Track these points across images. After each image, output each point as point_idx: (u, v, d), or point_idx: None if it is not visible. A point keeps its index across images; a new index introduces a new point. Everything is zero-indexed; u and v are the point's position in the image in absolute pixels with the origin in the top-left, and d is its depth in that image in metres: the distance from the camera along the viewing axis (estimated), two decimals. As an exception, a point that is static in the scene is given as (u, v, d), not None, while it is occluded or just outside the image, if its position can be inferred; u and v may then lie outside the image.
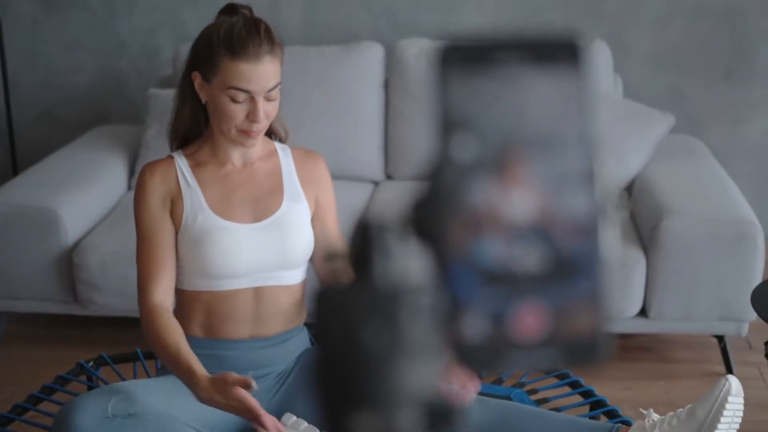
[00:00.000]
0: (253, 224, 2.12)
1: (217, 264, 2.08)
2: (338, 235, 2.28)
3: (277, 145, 2.25)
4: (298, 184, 2.20)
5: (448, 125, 0.52)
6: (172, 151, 2.19)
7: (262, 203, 2.15)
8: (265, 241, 2.11)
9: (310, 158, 2.26)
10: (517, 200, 0.52)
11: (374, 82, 3.96)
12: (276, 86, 2.07)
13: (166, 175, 2.13)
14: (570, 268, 0.52)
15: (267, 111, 2.06)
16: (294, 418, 2.13)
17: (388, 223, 0.52)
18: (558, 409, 2.37)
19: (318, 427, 2.09)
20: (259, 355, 2.17)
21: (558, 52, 0.52)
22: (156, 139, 3.78)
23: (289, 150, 2.24)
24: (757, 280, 3.22)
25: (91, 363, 2.60)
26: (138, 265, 2.15)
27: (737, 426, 2.14)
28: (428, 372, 0.50)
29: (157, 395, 2.05)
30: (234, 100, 2.03)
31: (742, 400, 2.14)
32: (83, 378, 2.58)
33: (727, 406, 2.11)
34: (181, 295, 2.17)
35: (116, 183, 3.81)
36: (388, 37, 4.20)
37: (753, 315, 3.23)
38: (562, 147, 0.52)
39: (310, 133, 3.77)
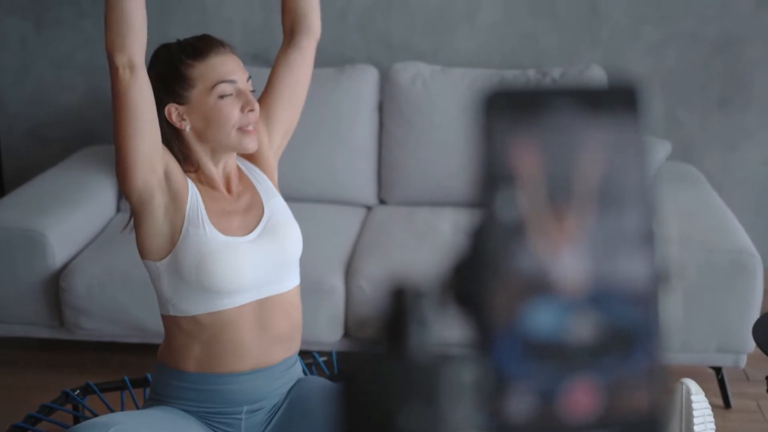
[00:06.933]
0: (247, 236, 2.08)
1: (220, 279, 2.02)
2: None
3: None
4: (264, 178, 2.20)
5: (493, 179, 0.47)
6: None
7: (249, 217, 2.12)
8: (263, 248, 2.08)
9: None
10: (569, 263, 0.47)
11: (368, 106, 3.91)
12: (250, 78, 2.10)
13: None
14: (627, 339, 0.47)
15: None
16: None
17: (424, 288, 0.46)
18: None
19: None
20: (258, 387, 2.11)
21: (614, 98, 0.47)
22: (146, 160, 3.73)
23: (235, 154, 2.19)
24: (756, 311, 3.18)
25: (78, 391, 2.53)
26: None
27: (713, 425, 2.10)
28: (470, 457, 0.45)
29: (152, 430, 1.98)
30: (224, 97, 2.04)
31: (705, 398, 2.10)
32: (69, 407, 2.52)
33: (694, 406, 2.07)
34: (176, 326, 2.09)
35: (105, 205, 3.75)
36: (382, 61, 4.17)
37: (751, 347, 3.18)
38: (618, 203, 0.47)
39: (302, 155, 3.72)
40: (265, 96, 2.24)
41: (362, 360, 0.46)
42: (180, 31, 4.20)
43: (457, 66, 4.08)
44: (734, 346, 3.23)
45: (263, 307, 2.09)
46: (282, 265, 2.12)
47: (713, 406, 3.21)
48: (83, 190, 3.69)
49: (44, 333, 3.45)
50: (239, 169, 2.18)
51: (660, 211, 0.47)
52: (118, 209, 3.82)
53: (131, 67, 1.90)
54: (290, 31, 2.29)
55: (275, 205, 2.16)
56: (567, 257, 0.47)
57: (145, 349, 3.41)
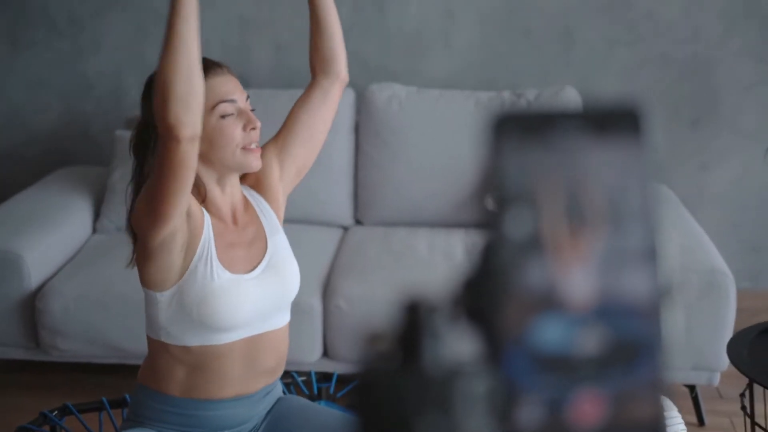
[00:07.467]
0: (251, 273, 2.07)
1: (222, 317, 2.01)
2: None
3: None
4: (270, 211, 2.17)
5: (502, 198, 0.49)
6: None
7: (253, 250, 2.11)
8: (265, 286, 2.07)
9: (256, 179, 2.21)
10: (576, 279, 0.49)
11: (344, 126, 3.93)
12: (249, 98, 2.09)
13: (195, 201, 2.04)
14: (631, 352, 0.49)
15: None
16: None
17: (437, 304, 0.48)
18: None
19: None
20: (239, 414, 2.11)
21: (618, 121, 0.49)
22: (122, 181, 3.72)
23: (239, 181, 2.18)
24: (729, 330, 3.22)
25: (55, 412, 2.52)
26: None
27: None
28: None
29: None
30: (225, 116, 2.02)
31: (679, 414, 2.13)
32: (46, 428, 2.50)
33: (669, 423, 2.10)
34: (164, 350, 2.08)
35: (81, 226, 3.74)
36: (358, 82, 4.18)
37: (725, 365, 3.22)
38: (623, 222, 0.49)
39: (279, 177, 3.73)
40: (282, 130, 2.22)
41: (377, 374, 0.48)
42: (156, 51, 4.17)
43: (432, 87, 4.11)
44: (708, 365, 3.27)
45: (254, 342, 2.08)
46: (279, 303, 2.11)
47: (687, 424, 3.25)
48: (59, 210, 3.68)
49: (20, 354, 3.44)
50: (245, 199, 2.16)
51: (662, 229, 0.49)
52: (94, 230, 3.81)
53: (193, 138, 1.84)
54: (315, 71, 2.26)
55: (278, 242, 2.14)
56: (574, 274, 0.49)
57: (122, 370, 3.40)
